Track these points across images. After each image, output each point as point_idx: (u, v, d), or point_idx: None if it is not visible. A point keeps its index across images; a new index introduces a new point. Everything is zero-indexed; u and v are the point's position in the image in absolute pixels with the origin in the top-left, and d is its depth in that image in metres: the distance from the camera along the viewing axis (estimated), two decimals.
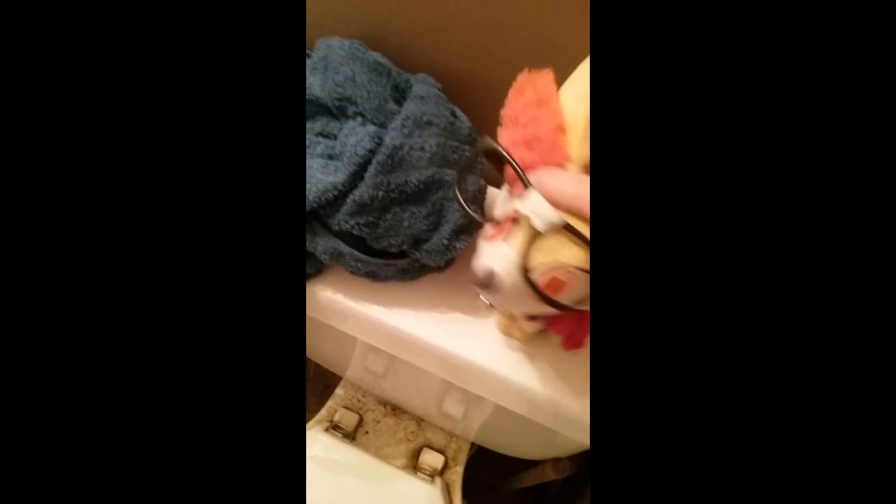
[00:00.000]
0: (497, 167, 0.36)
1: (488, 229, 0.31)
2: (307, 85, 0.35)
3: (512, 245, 0.28)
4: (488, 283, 0.28)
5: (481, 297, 0.35)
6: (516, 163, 0.27)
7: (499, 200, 0.37)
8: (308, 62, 0.36)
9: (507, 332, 0.39)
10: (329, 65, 0.34)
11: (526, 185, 0.26)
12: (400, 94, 0.35)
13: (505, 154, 0.28)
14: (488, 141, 0.30)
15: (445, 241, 0.34)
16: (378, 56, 0.35)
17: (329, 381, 0.94)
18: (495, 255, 0.29)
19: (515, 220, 0.28)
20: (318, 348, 0.64)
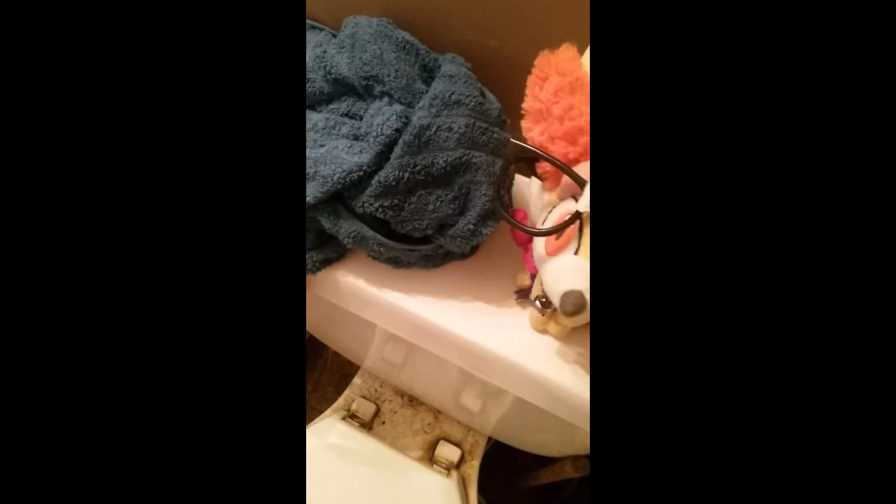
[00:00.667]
0: (528, 166, 0.34)
1: (547, 244, 0.29)
2: (334, 64, 0.34)
3: (584, 255, 0.26)
4: (582, 307, 0.26)
5: (535, 307, 0.33)
6: (562, 163, 0.26)
7: (533, 197, 0.36)
8: (335, 41, 0.35)
9: (542, 330, 0.38)
10: (356, 43, 0.33)
11: (582, 184, 0.25)
12: (428, 74, 0.34)
13: (551, 158, 0.27)
14: (519, 146, 0.28)
15: (471, 227, 0.33)
16: (406, 35, 0.34)
17: (347, 370, 0.95)
18: (573, 272, 0.26)
19: (577, 223, 0.26)
20: (336, 337, 0.63)
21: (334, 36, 0.37)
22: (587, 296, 0.26)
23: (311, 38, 0.37)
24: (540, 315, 0.35)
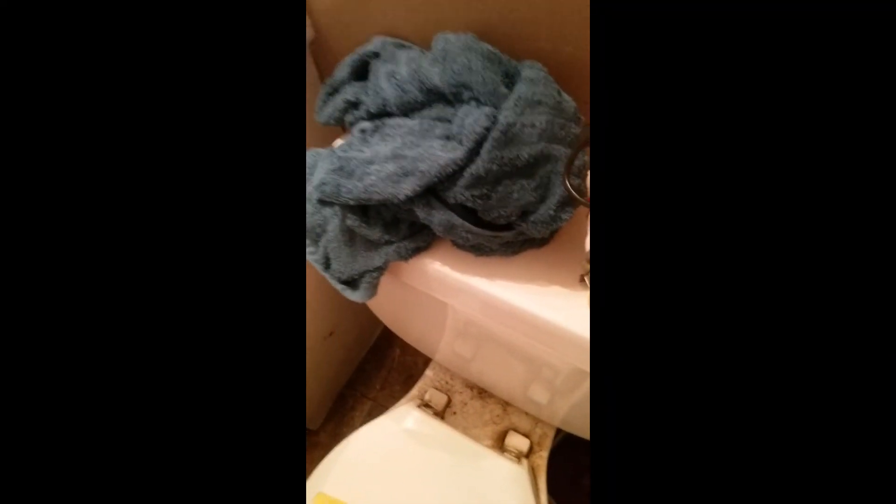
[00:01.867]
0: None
1: None
2: (427, 76, 0.39)
3: None
4: None
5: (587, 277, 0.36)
6: None
7: None
8: (428, 56, 0.40)
9: None
10: (448, 56, 0.38)
11: None
12: (510, 80, 0.39)
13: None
14: (586, 131, 0.32)
15: (552, 212, 0.37)
16: (489, 46, 0.39)
17: (413, 371, 0.99)
18: None
19: None
20: (410, 329, 0.68)
21: (422, 52, 0.43)
22: None
23: (404, 55, 0.43)
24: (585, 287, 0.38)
